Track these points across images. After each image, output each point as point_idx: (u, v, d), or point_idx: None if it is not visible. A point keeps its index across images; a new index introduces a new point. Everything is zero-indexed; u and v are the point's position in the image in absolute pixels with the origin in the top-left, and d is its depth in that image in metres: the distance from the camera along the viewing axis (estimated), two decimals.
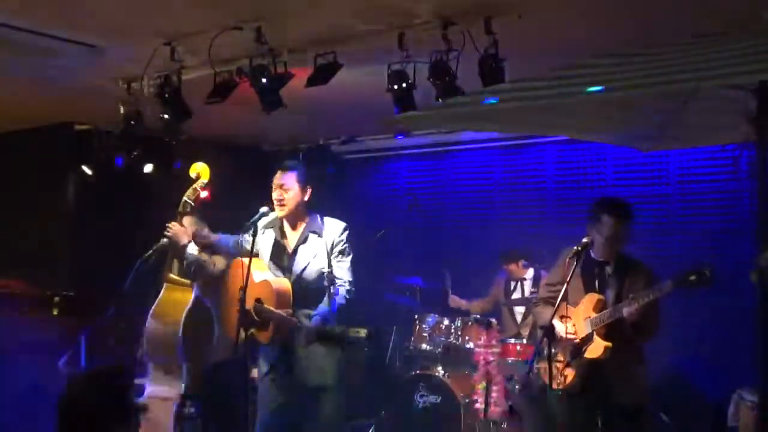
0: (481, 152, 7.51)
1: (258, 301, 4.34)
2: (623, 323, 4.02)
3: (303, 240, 4.45)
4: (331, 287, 4.30)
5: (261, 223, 4.51)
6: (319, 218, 4.50)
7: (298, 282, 4.38)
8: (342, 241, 4.43)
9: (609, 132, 3.91)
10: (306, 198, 4.47)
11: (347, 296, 4.33)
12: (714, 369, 5.56)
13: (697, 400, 5.57)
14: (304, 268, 4.41)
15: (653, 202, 6.40)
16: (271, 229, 4.54)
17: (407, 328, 6.34)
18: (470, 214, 7.52)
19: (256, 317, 4.31)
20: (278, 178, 4.46)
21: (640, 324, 4.02)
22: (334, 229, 4.45)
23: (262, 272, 4.47)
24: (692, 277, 3.79)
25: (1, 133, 7.19)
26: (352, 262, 4.45)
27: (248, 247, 4.32)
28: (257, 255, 4.45)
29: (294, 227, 4.51)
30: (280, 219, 4.50)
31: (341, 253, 4.41)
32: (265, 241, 4.53)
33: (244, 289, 4.14)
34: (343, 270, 4.39)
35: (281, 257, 4.48)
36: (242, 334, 4.18)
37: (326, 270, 4.34)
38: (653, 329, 4.10)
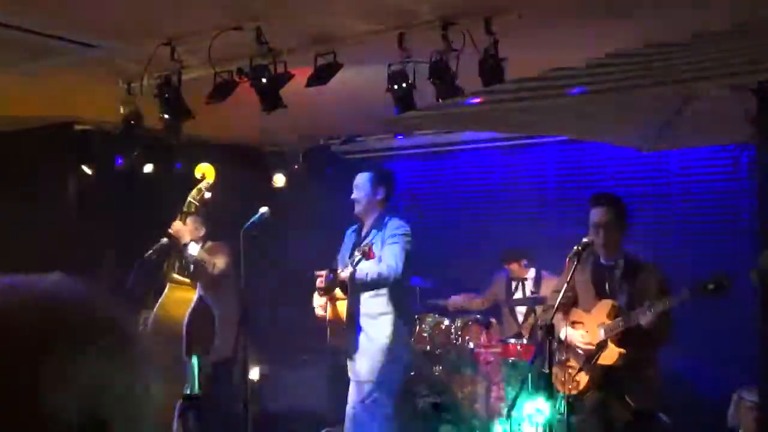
0: (481, 152, 7.51)
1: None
2: (639, 331, 4.01)
3: (366, 236, 4.74)
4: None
5: (349, 231, 4.96)
6: (387, 217, 4.77)
7: (356, 261, 4.55)
8: (392, 233, 4.65)
9: (609, 132, 3.92)
10: (378, 198, 4.78)
11: (381, 271, 4.51)
12: (714, 369, 5.55)
13: (697, 400, 5.57)
14: (359, 260, 4.57)
15: (653, 201, 6.40)
16: (354, 234, 4.91)
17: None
18: (470, 214, 7.52)
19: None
20: (355, 179, 4.85)
21: (655, 331, 4.01)
22: (391, 224, 4.71)
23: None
24: (711, 286, 3.78)
25: (1, 133, 7.18)
26: (407, 257, 4.62)
27: (343, 254, 4.87)
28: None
29: (366, 225, 4.83)
30: (360, 219, 4.87)
31: (390, 242, 4.61)
32: (347, 242, 4.94)
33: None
34: (386, 253, 4.57)
35: (352, 253, 4.71)
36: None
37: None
38: (668, 336, 4.10)
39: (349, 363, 4.75)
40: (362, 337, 4.65)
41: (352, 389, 4.71)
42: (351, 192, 4.87)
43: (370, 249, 4.45)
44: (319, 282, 4.73)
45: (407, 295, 4.94)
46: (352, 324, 4.65)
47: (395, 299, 4.67)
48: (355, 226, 4.96)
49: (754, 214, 4.99)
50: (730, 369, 5.36)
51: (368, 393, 4.62)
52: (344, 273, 4.56)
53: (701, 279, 3.82)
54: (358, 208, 4.82)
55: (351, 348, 4.69)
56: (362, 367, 4.64)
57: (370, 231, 4.75)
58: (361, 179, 4.83)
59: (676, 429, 5.20)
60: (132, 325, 0.91)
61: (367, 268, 4.51)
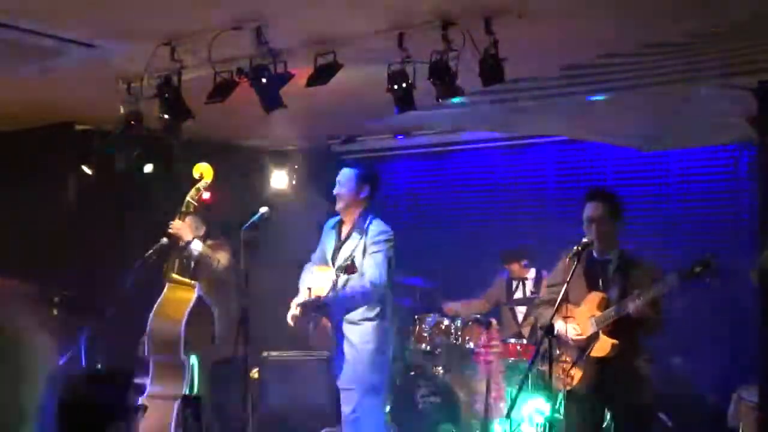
0: (481, 152, 7.50)
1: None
2: (630, 320, 4.01)
3: (347, 237, 4.63)
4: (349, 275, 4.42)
5: (328, 225, 4.80)
6: (368, 218, 4.64)
7: (338, 277, 4.49)
8: (375, 241, 4.53)
9: (609, 132, 3.92)
10: (362, 196, 4.65)
11: (365, 289, 4.42)
12: (714, 369, 5.56)
13: (697, 400, 5.56)
14: (341, 274, 4.50)
15: (653, 201, 6.40)
16: (333, 230, 4.76)
17: (407, 328, 6.34)
18: (470, 214, 7.51)
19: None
20: (339, 174, 4.71)
21: (646, 320, 4.01)
22: (374, 229, 4.59)
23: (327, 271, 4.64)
24: (697, 269, 3.77)
25: (1, 133, 7.19)
26: (390, 265, 4.54)
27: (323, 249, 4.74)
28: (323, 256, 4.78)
29: (347, 224, 4.70)
30: (340, 217, 4.73)
31: (373, 251, 4.51)
32: (328, 241, 4.77)
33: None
34: (369, 265, 4.46)
35: (333, 256, 4.65)
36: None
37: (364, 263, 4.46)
38: (658, 324, 4.09)
39: (334, 370, 4.64)
40: (345, 344, 4.53)
41: (342, 397, 4.60)
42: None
43: (353, 263, 4.35)
44: (297, 311, 4.56)
45: (392, 299, 4.76)
46: (334, 331, 4.56)
47: (378, 304, 4.55)
48: (334, 221, 4.82)
49: (754, 214, 4.98)
50: (730, 369, 5.36)
51: (357, 402, 4.50)
52: (325, 293, 4.44)
53: (688, 263, 3.82)
54: (339, 205, 4.68)
55: (335, 355, 4.60)
56: (347, 375, 4.54)
57: (351, 233, 4.63)
58: (346, 175, 4.69)
59: (676, 429, 5.21)
60: (20, 331, 0.88)
61: (350, 289, 4.42)
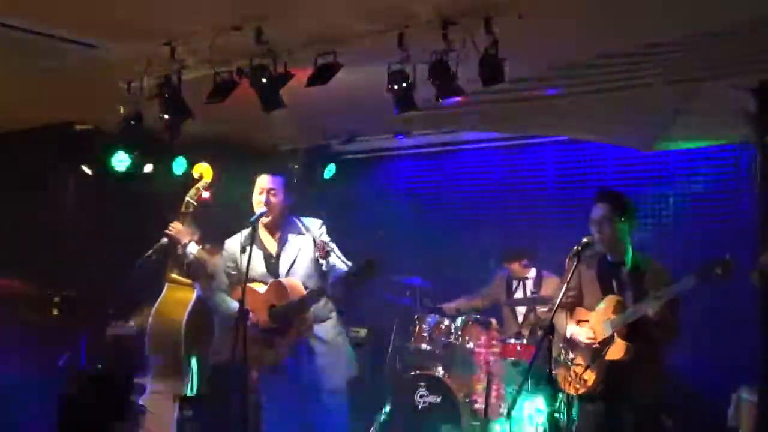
0: (481, 152, 7.51)
1: (272, 307, 4.36)
2: (646, 323, 3.99)
3: (283, 243, 4.48)
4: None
5: (242, 243, 4.45)
6: (297, 220, 4.53)
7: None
8: (323, 233, 4.46)
9: (609, 132, 3.93)
10: (288, 204, 4.52)
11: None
12: (714, 369, 5.56)
13: (697, 400, 5.57)
14: (291, 266, 4.42)
15: (653, 201, 6.40)
16: (254, 246, 4.35)
17: (407, 328, 6.34)
18: (470, 214, 7.52)
19: (275, 325, 4.32)
20: (267, 182, 4.49)
21: (664, 323, 3.99)
22: (314, 226, 4.49)
23: (261, 286, 4.47)
24: (718, 270, 3.75)
25: (1, 133, 7.19)
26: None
27: (244, 262, 4.29)
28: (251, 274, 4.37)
29: (273, 234, 4.52)
30: (257, 228, 4.42)
31: (331, 247, 4.39)
32: (254, 256, 4.34)
33: (242, 309, 4.12)
34: (339, 262, 4.32)
35: (270, 266, 4.48)
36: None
37: (319, 262, 4.29)
38: (676, 328, 4.08)
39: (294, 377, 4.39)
40: (316, 344, 4.36)
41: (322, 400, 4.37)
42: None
43: (324, 246, 4.23)
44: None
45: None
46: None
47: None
48: (247, 238, 4.33)
49: (754, 214, 4.99)
50: (730, 369, 5.36)
51: (339, 401, 4.39)
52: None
53: (705, 265, 3.80)
54: (272, 217, 4.42)
55: (303, 359, 4.36)
56: (325, 375, 4.35)
57: (285, 238, 4.45)
58: (276, 183, 4.46)
59: (676, 429, 5.21)
60: None
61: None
